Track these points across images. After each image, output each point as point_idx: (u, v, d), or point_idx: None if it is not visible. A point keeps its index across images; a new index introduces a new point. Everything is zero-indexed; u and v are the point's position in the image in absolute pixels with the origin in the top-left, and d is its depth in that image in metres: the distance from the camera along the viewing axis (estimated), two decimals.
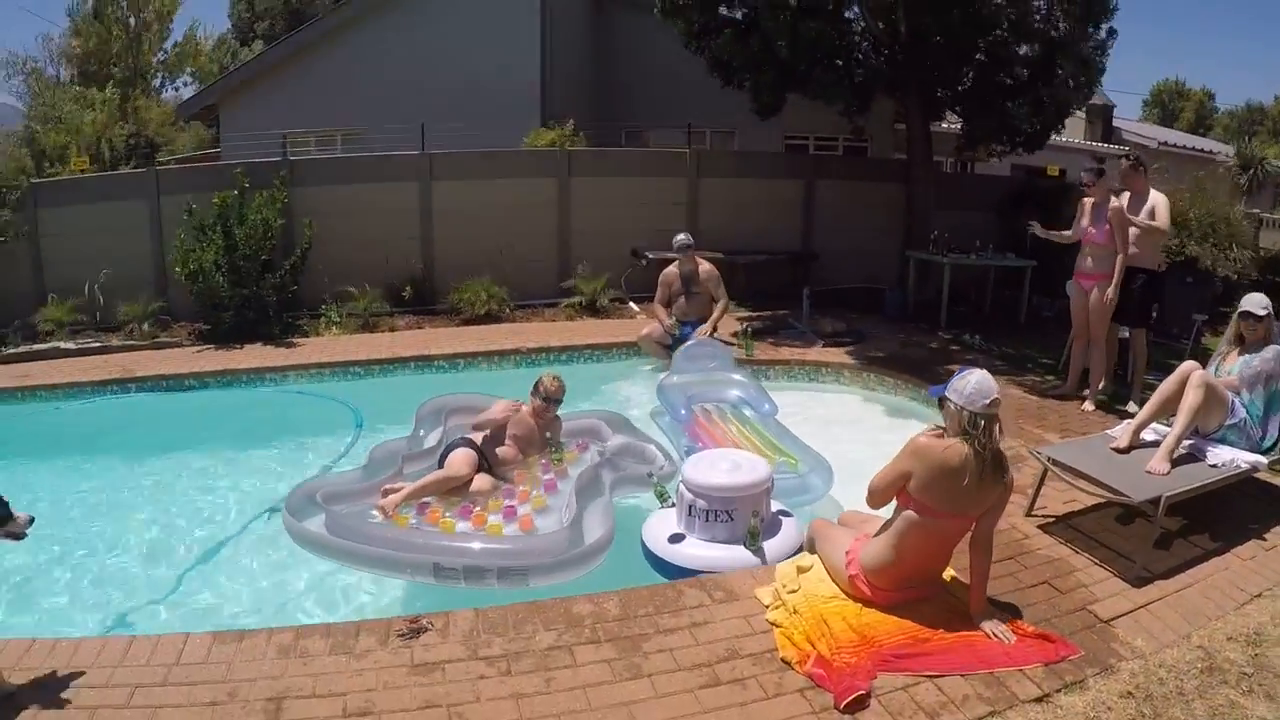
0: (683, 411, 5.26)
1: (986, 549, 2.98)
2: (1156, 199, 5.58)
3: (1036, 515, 3.95)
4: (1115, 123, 18.93)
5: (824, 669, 2.70)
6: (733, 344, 7.10)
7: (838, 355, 7.08)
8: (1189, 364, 4.06)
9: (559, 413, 4.96)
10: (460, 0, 11.02)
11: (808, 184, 10.04)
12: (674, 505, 3.87)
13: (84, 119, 13.03)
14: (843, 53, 8.15)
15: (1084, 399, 5.69)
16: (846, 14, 7.96)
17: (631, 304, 9.15)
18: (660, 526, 3.79)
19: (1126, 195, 5.67)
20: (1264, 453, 3.95)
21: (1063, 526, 3.87)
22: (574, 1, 12.11)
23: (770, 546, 3.61)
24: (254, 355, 7.45)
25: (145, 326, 7.97)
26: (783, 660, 2.79)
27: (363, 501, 4.28)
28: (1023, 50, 7.82)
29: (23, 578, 3.81)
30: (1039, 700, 2.60)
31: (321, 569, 3.78)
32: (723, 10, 8.46)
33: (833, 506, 4.18)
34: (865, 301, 9.17)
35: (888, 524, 3.02)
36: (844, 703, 2.56)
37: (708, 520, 3.63)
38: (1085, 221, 5.55)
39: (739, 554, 3.55)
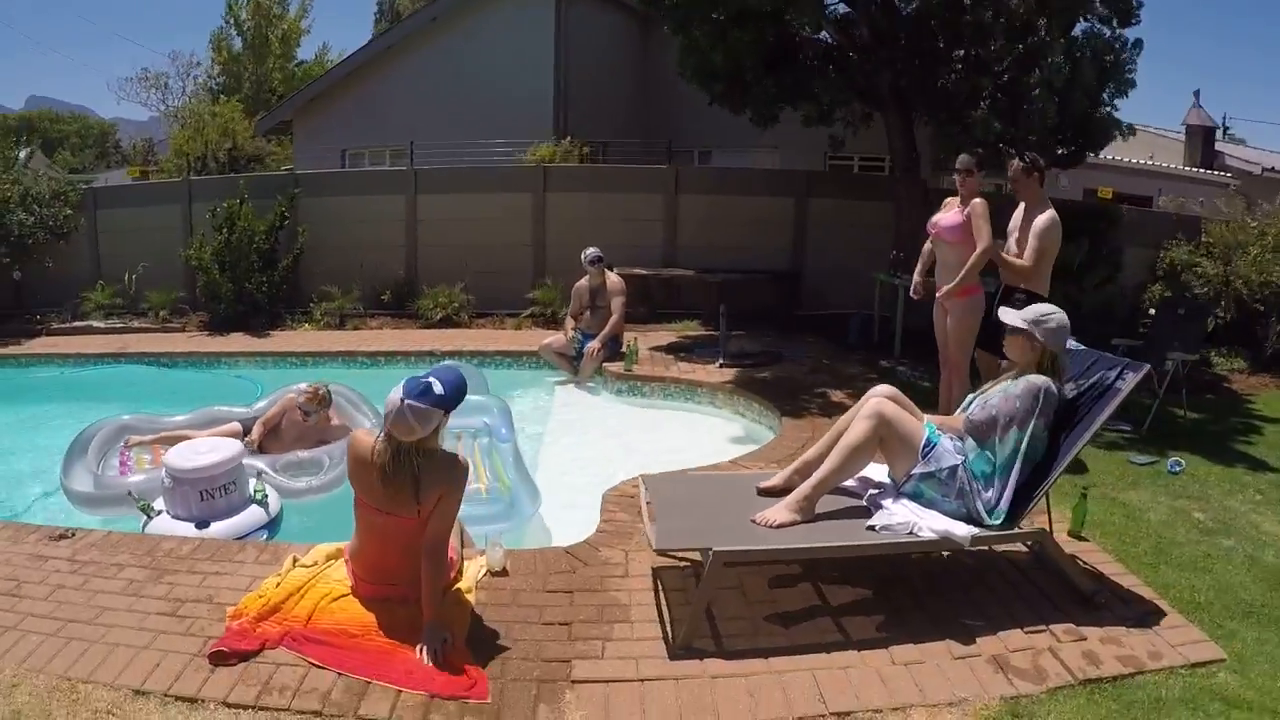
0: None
1: (432, 557, 2.91)
2: (1038, 223, 4.68)
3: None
4: (1219, 145, 16.64)
5: (245, 625, 2.94)
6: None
7: (722, 376, 7.07)
8: (878, 387, 3.47)
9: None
10: (487, 24, 12.03)
11: (799, 202, 9.81)
12: (161, 515, 4.16)
13: (210, 127, 15.55)
14: (790, 61, 7.82)
15: None
16: (790, 18, 7.19)
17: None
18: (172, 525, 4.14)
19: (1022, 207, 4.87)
20: (987, 523, 3.14)
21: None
22: (608, 22, 12.79)
23: (220, 526, 4.02)
24: (227, 342, 8.68)
25: (164, 313, 9.67)
26: (228, 612, 3.06)
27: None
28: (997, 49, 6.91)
29: None
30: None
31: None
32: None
33: (539, 528, 4.45)
34: (841, 326, 8.76)
35: None
36: (209, 652, 2.80)
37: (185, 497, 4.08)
38: (944, 216, 5.01)
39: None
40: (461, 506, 4.29)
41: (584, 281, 7.80)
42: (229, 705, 2.61)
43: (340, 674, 2.75)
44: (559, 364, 7.63)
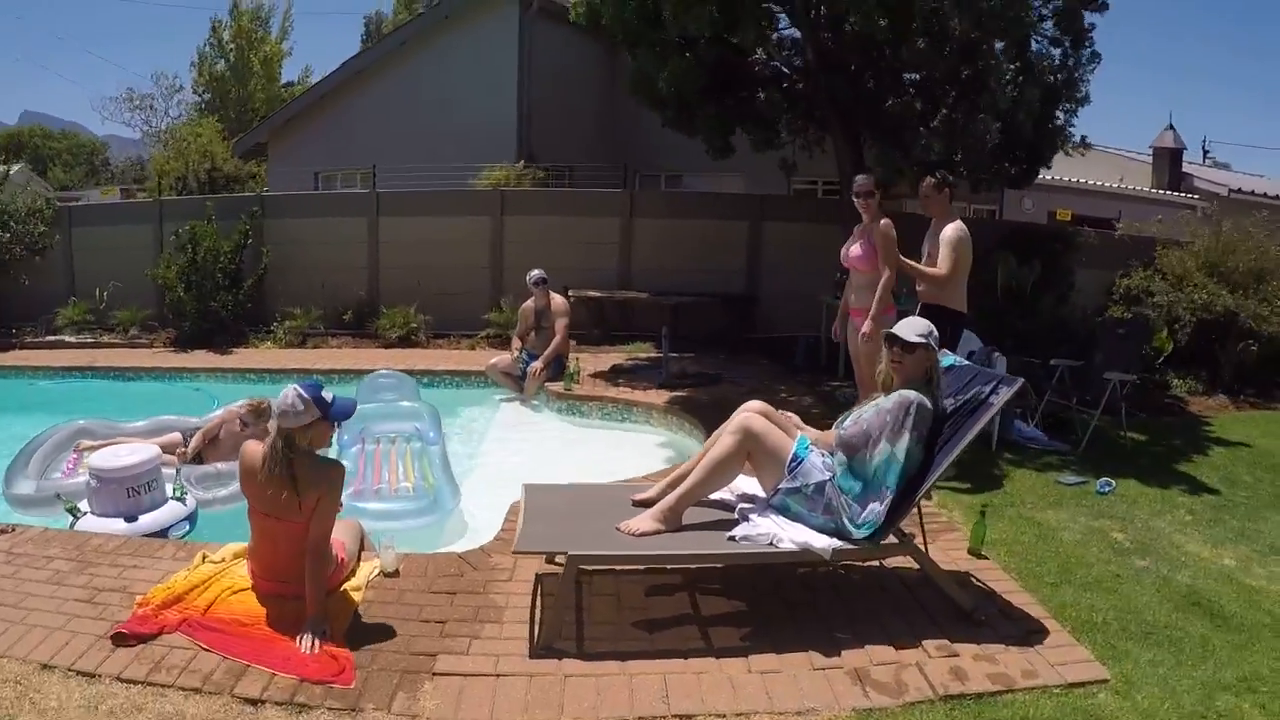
0: (345, 437, 5.73)
1: (315, 556, 3.15)
2: (946, 232, 4.92)
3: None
4: (1186, 168, 17.05)
5: (148, 611, 3.18)
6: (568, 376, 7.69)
7: (660, 397, 7.20)
8: (749, 403, 3.57)
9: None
10: (453, 47, 12.33)
11: (753, 225, 10.04)
12: (87, 515, 4.39)
13: (192, 148, 15.98)
14: (734, 85, 7.89)
15: None
16: (735, 40, 7.17)
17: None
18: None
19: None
20: (856, 537, 3.16)
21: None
22: (575, 44, 13.11)
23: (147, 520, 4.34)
24: (190, 359, 8.86)
25: (133, 330, 9.98)
26: (136, 600, 3.30)
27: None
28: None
29: None
30: (253, 702, 2.74)
31: None
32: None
33: (458, 523, 4.77)
34: (791, 349, 8.99)
35: None
36: (110, 633, 3.05)
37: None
38: (853, 246, 5.15)
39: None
40: (391, 503, 4.75)
41: (530, 303, 8.04)
42: (121, 680, 2.86)
43: (225, 657, 2.98)
44: (505, 383, 7.85)
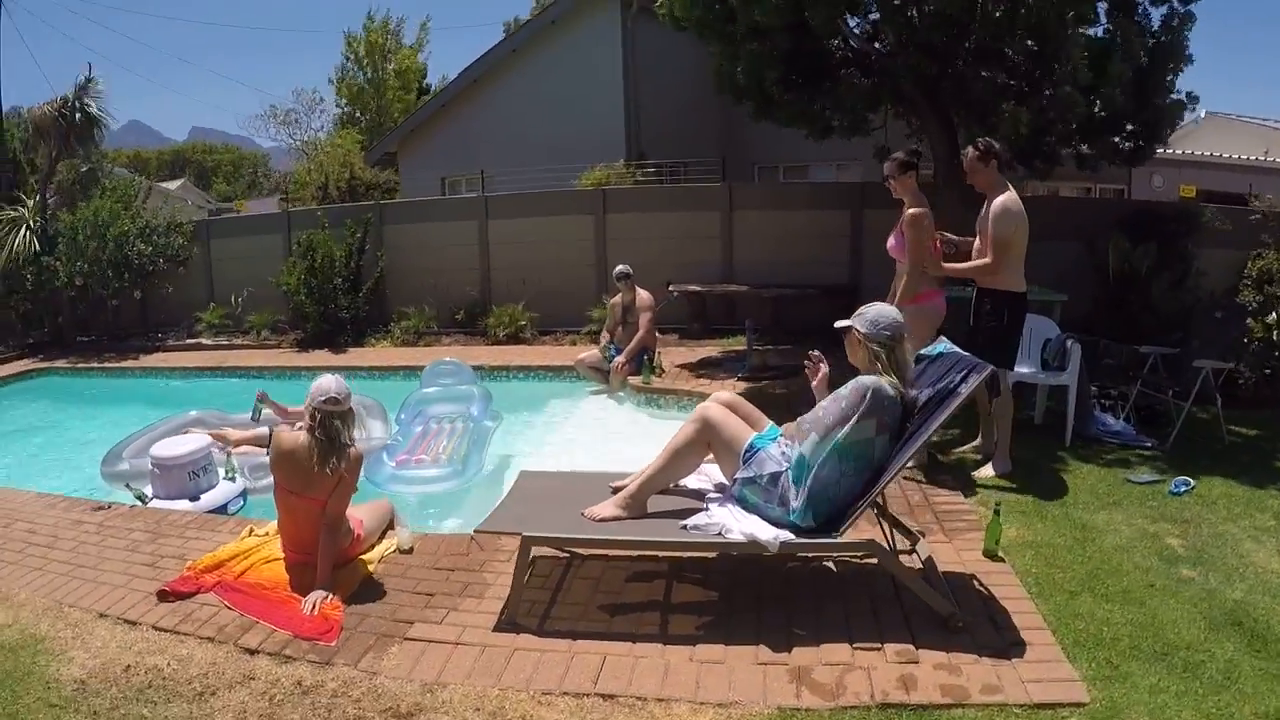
0: (402, 416, 6.67)
1: (330, 530, 3.69)
2: (993, 209, 4.71)
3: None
4: None
5: (190, 574, 3.86)
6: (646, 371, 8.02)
7: (735, 389, 7.26)
8: (717, 393, 3.73)
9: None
10: (560, 50, 13.00)
11: (854, 214, 9.95)
12: (153, 499, 5.13)
13: (332, 159, 17.75)
14: (814, 72, 7.83)
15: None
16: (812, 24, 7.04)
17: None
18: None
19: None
20: (794, 525, 3.22)
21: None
22: (676, 40, 13.49)
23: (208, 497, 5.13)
24: (310, 358, 10.00)
25: (264, 332, 11.37)
26: (186, 565, 3.99)
27: None
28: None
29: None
30: (250, 652, 3.27)
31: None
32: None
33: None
34: None
35: None
36: (159, 590, 3.73)
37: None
38: (891, 234, 5.14)
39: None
40: (423, 471, 5.59)
41: (617, 298, 8.46)
42: (155, 628, 3.51)
43: (241, 615, 3.59)
44: (593, 377, 8.29)
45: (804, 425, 3.38)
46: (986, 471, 4.98)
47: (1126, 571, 3.75)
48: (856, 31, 7.59)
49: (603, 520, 3.48)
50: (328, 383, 3.84)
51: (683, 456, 3.54)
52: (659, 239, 10.58)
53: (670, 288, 10.20)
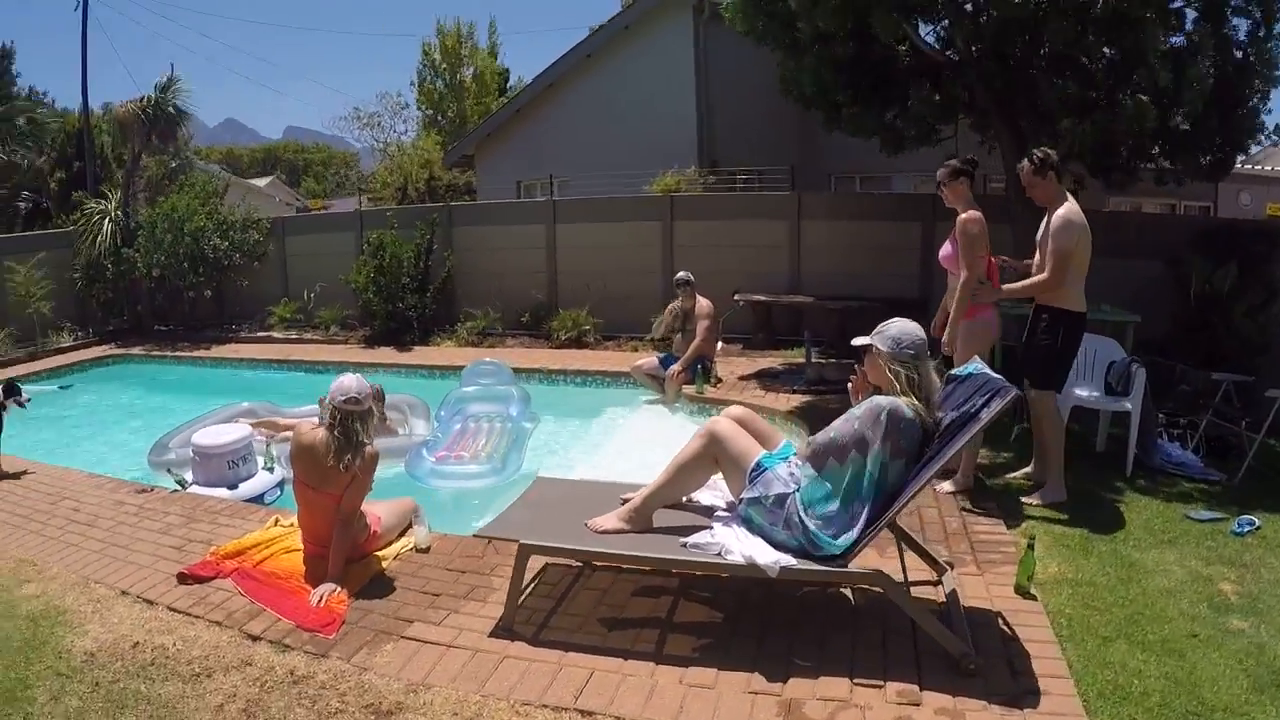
0: (441, 413, 6.95)
1: (342, 525, 3.78)
2: (1058, 216, 4.47)
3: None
4: None
5: (212, 559, 4.06)
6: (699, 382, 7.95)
7: (790, 402, 7.27)
8: (731, 408, 3.64)
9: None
10: (633, 55, 13.08)
11: (925, 226, 9.60)
12: (193, 485, 5.35)
13: (412, 161, 18.33)
14: (882, 80, 7.69)
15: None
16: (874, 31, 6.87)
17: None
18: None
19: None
20: (823, 554, 3.09)
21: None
22: (754, 51, 13.43)
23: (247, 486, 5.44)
24: (375, 355, 10.34)
25: (333, 328, 11.78)
26: (210, 550, 4.18)
27: None
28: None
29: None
30: (253, 638, 3.40)
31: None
32: None
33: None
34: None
35: None
36: (179, 572, 3.92)
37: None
38: (945, 244, 4.99)
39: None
40: (461, 468, 5.81)
41: (676, 304, 8.38)
42: (170, 608, 3.68)
43: (252, 602, 3.73)
44: (649, 384, 8.24)
45: (815, 445, 3.27)
46: (1035, 500, 4.74)
47: (1170, 618, 3.49)
48: (928, 39, 7.36)
49: (604, 532, 3.44)
50: (349, 382, 3.93)
51: (689, 471, 3.48)
52: (726, 247, 10.51)
53: (736, 296, 10.12)
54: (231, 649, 3.37)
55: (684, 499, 3.75)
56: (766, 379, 8.35)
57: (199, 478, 5.51)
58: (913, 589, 3.65)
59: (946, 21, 6.90)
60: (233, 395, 8.34)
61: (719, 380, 8.19)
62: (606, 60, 13.67)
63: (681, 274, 8.40)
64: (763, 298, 10.19)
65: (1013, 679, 3.01)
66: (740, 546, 3.18)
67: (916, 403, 3.16)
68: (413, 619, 3.55)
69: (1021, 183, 4.74)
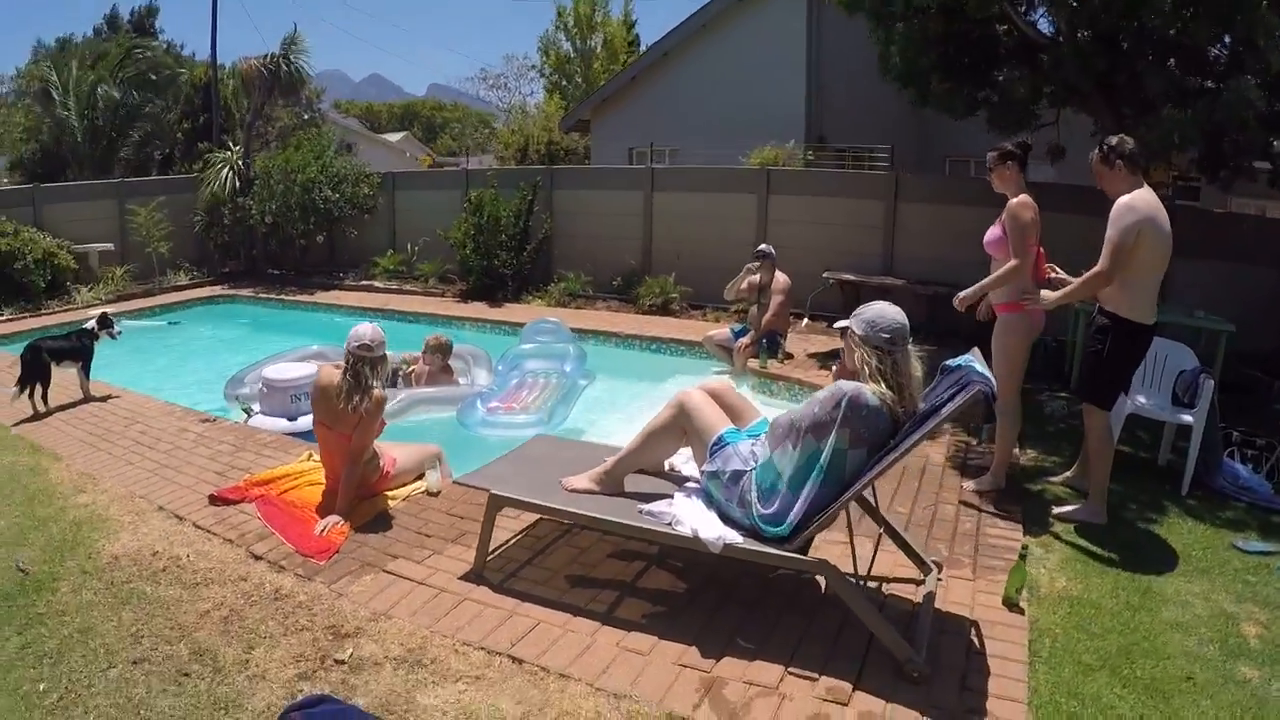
0: (500, 367, 7.41)
1: (351, 462, 4.12)
2: (1117, 203, 4.15)
3: None
4: None
5: (244, 484, 4.51)
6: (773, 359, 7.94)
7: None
8: (707, 379, 3.76)
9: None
10: (747, 28, 12.91)
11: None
12: (258, 414, 5.90)
13: (535, 124, 18.86)
14: (976, 59, 7.36)
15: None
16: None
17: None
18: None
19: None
20: (764, 537, 3.11)
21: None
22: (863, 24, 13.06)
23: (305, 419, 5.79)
24: (464, 309, 10.84)
25: (432, 281, 12.38)
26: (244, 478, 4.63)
27: None
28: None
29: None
30: (256, 557, 3.79)
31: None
32: None
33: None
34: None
35: None
36: (210, 494, 4.38)
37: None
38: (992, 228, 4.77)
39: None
40: (509, 418, 6.28)
41: (755, 276, 8.31)
42: (194, 525, 4.16)
43: (265, 525, 4.13)
44: (720, 355, 8.31)
45: (775, 425, 3.26)
46: (1068, 512, 4.52)
47: (1169, 655, 3.27)
48: (1030, 18, 6.98)
49: (574, 490, 3.59)
50: (364, 329, 4.23)
51: (657, 439, 3.57)
52: (820, 224, 10.36)
53: (825, 274, 10.00)
54: (234, 565, 3.75)
55: (667, 467, 3.86)
56: (834, 359, 8.21)
57: (264, 408, 6.04)
58: (889, 586, 3.64)
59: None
60: (323, 338, 8.97)
61: (788, 356, 8.16)
62: (720, 31, 13.62)
63: (763, 246, 8.37)
64: (851, 277, 10.00)
65: (959, 694, 2.91)
66: (691, 519, 3.24)
67: (884, 390, 3.08)
68: (398, 555, 3.84)
69: (1092, 172, 4.41)
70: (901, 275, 9.90)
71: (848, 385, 3.09)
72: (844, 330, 3.30)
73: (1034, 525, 4.41)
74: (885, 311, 3.19)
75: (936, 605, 3.46)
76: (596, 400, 7.49)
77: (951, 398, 3.00)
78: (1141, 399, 5.19)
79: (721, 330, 8.57)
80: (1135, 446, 5.72)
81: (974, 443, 5.63)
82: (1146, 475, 5.18)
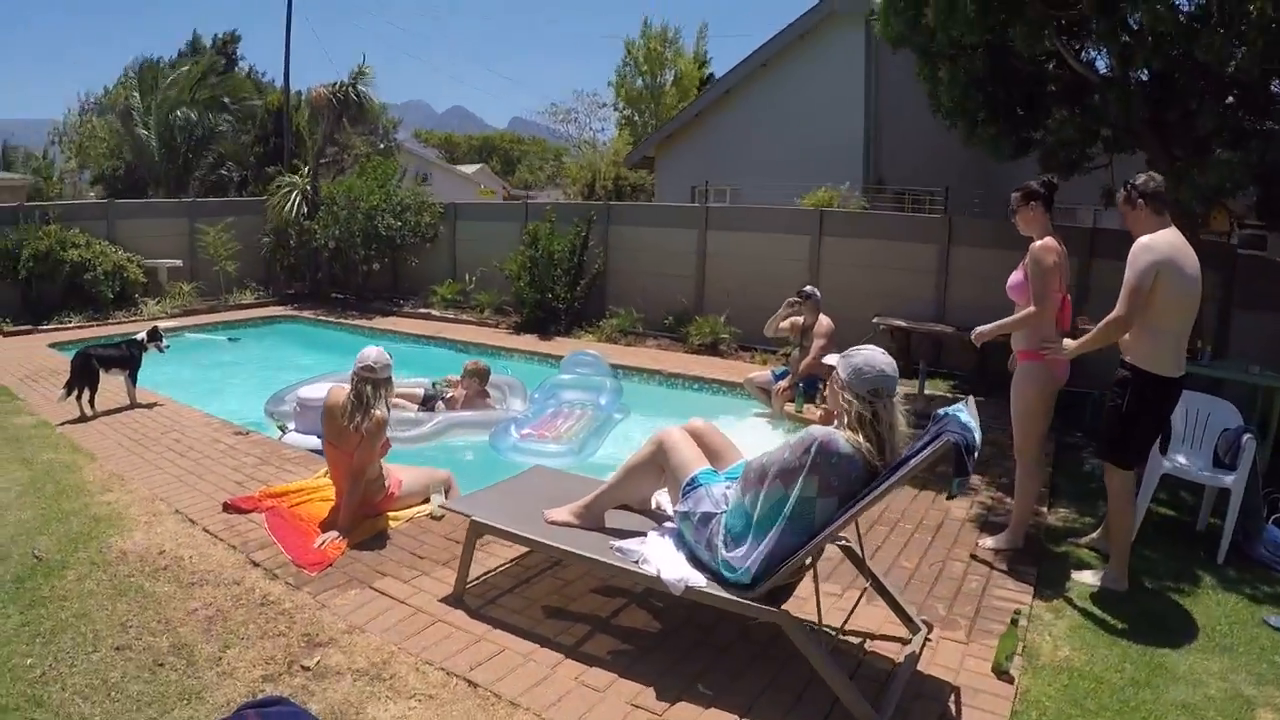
0: (536, 395, 7.54)
1: (353, 480, 4.27)
2: (1136, 244, 3.98)
3: None
4: None
5: (259, 495, 4.71)
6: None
7: None
8: (693, 419, 3.69)
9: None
10: (806, 67, 13.03)
11: (1083, 263, 8.85)
12: (292, 431, 6.11)
13: (604, 158, 19.28)
14: (1024, 98, 7.26)
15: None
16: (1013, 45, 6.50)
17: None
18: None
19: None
20: (727, 582, 3.09)
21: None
22: None
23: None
24: (516, 341, 11.06)
25: (488, 311, 12.68)
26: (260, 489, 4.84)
27: None
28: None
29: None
30: (254, 564, 3.95)
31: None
32: None
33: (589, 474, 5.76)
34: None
35: None
36: (225, 502, 4.59)
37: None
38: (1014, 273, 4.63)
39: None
40: (541, 446, 6.39)
41: (798, 318, 8.22)
42: (203, 529, 4.38)
43: (268, 535, 4.31)
44: (760, 397, 8.24)
45: (749, 470, 3.22)
46: (1085, 577, 4.34)
47: None
48: (1083, 57, 6.85)
49: (553, 523, 3.64)
50: (369, 352, 4.41)
51: (635, 476, 3.59)
52: (872, 267, 10.28)
53: (875, 319, 9.89)
54: (231, 569, 3.92)
55: (653, 505, 3.88)
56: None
57: (298, 426, 6.28)
58: (874, 643, 3.56)
59: (1094, 36, 6.39)
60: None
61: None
62: (780, 69, 13.75)
63: (808, 287, 8.30)
64: (902, 324, 9.84)
65: None
66: (657, 559, 3.23)
67: (860, 440, 3.01)
68: (387, 574, 3.96)
69: (1121, 213, 4.26)
70: (953, 322, 9.71)
71: (819, 430, 3.04)
72: (831, 368, 3.25)
73: (1047, 588, 4.24)
74: (873, 359, 3.10)
75: (920, 668, 3.36)
76: (629, 435, 7.51)
77: (923, 448, 2.94)
78: (1181, 459, 4.97)
79: (763, 373, 8.51)
80: (1177, 509, 5.48)
81: (974, 495, 5.47)
82: (1182, 540, 4.94)
